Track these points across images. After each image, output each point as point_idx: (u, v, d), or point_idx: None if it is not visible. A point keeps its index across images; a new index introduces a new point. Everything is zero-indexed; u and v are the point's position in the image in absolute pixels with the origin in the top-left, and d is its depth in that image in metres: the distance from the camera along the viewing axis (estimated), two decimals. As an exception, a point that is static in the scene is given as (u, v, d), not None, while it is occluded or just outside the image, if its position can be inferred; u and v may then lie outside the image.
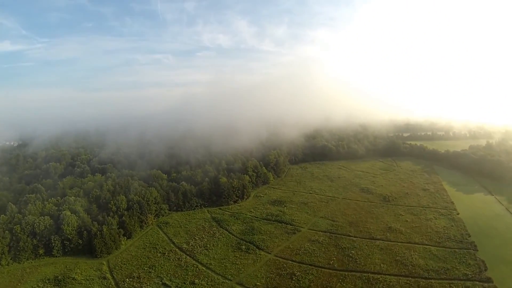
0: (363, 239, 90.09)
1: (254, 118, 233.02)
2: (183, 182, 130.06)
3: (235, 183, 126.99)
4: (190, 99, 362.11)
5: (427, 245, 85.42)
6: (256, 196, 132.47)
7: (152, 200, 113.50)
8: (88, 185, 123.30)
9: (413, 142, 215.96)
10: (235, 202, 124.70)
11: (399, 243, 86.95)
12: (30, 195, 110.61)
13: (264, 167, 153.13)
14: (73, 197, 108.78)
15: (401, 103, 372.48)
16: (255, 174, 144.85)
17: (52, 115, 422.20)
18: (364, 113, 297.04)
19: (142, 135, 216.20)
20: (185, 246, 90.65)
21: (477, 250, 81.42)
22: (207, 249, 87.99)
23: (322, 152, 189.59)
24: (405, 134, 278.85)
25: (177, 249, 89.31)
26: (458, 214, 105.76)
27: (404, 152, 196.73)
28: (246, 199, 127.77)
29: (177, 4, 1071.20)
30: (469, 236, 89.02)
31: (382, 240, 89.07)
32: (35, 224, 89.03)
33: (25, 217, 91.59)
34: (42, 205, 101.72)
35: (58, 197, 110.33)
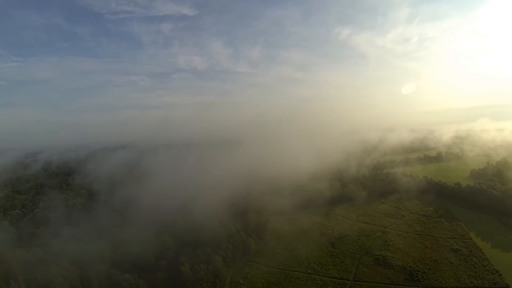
0: None
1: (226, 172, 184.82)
2: (126, 274, 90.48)
3: (202, 272, 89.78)
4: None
5: None
6: (233, 282, 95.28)
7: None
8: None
9: (412, 171, 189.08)
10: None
11: None
12: None
13: (242, 232, 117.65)
14: None
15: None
16: (231, 246, 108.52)
17: (16, 141, 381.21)
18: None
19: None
20: None
21: None
22: None
23: (312, 197, 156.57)
24: (397, 159, 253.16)
25: None
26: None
27: (406, 187, 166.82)
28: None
29: (153, 25, 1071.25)
30: None
31: None
32: None
33: None
34: None
35: None
